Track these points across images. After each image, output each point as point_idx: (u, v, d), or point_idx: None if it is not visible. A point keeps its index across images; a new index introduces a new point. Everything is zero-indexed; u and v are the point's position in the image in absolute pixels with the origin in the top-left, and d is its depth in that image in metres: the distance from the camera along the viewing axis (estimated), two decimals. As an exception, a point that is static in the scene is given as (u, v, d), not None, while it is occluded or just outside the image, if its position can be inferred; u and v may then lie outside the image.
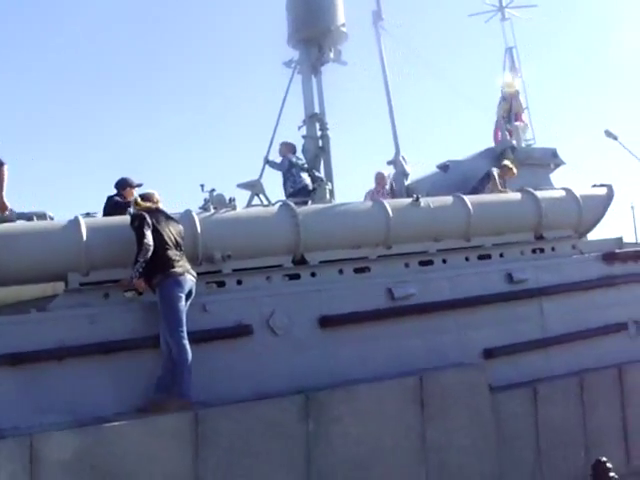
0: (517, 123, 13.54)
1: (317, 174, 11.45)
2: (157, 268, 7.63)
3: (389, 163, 12.00)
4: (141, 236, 7.63)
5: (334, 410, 7.77)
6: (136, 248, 7.63)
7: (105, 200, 9.26)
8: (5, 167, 8.32)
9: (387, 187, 12.77)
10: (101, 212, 8.89)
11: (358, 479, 7.79)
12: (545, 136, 15.49)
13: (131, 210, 8.52)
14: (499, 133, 13.56)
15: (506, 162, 12.05)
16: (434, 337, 9.12)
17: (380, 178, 12.98)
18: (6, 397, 7.06)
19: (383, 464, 7.95)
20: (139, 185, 9.46)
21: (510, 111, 13.66)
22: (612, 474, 6.29)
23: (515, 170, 11.89)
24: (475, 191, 11.45)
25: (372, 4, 12.42)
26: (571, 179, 12.78)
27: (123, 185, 9.41)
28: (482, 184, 11.68)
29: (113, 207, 9.06)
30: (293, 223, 8.91)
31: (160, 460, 6.96)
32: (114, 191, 9.32)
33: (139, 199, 8.06)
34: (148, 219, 7.74)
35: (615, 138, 13.11)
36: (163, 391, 7.49)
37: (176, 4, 41.06)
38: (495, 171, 11.65)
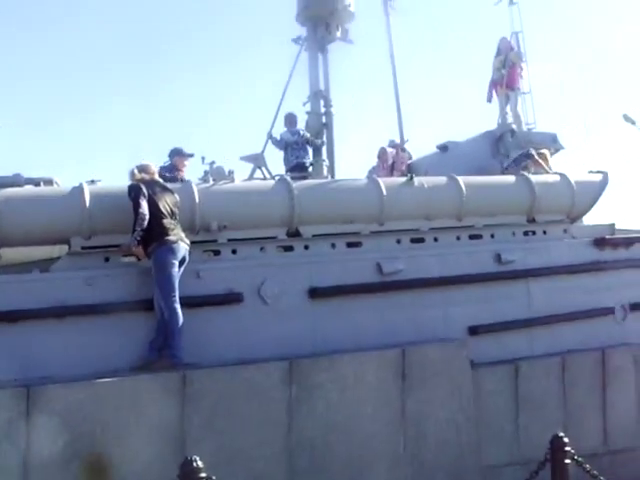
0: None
1: (317, 142, 11.70)
2: (152, 236, 8.03)
3: (390, 145, 12.26)
4: (137, 206, 8.01)
5: (316, 377, 8.13)
6: (133, 217, 8.02)
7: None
8: None
9: (389, 163, 13.05)
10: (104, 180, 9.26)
11: (337, 443, 8.15)
12: (548, 120, 15.61)
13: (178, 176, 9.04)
14: (494, 91, 13.75)
15: (544, 151, 12.34)
16: (420, 312, 9.41)
17: (382, 154, 13.25)
18: (7, 352, 7.49)
19: (362, 431, 8.32)
20: (191, 155, 10.25)
21: (505, 64, 13.71)
22: (568, 449, 6.59)
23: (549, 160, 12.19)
24: (507, 172, 11.82)
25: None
26: (573, 164, 12.93)
27: (174, 154, 10.22)
28: (517, 164, 11.88)
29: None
30: (289, 197, 9.24)
31: (149, 415, 7.38)
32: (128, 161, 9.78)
33: (136, 171, 8.40)
34: (144, 190, 8.11)
35: (633, 123, 13.13)
36: (155, 352, 7.93)
37: None
38: (534, 151, 11.93)
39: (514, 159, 12.02)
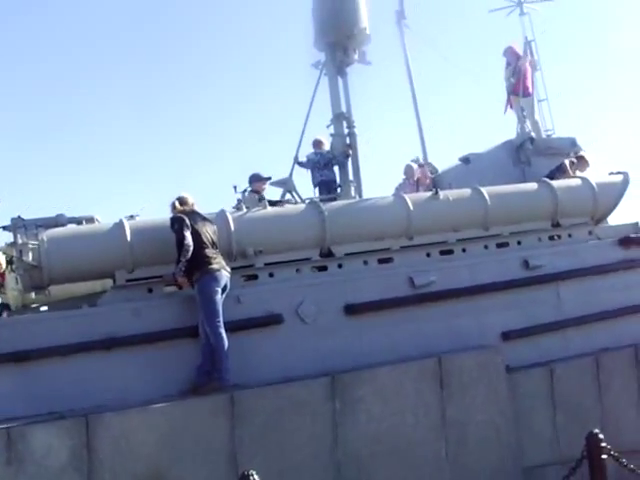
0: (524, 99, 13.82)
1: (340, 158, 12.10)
2: (196, 266, 8.38)
3: (415, 161, 12.54)
4: (181, 237, 8.38)
5: (358, 390, 8.46)
6: (176, 248, 8.39)
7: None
8: None
9: (415, 179, 13.39)
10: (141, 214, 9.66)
11: (381, 453, 8.47)
12: (567, 125, 15.86)
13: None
14: (511, 101, 13.97)
15: (582, 153, 12.64)
16: (454, 322, 9.72)
17: (408, 170, 13.59)
18: (60, 384, 7.90)
19: (405, 439, 8.64)
20: (268, 178, 11.08)
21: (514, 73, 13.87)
22: (604, 444, 6.83)
23: (590, 161, 12.50)
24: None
25: (395, 4, 12.94)
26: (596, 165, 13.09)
27: (254, 180, 10.98)
28: (554, 176, 12.10)
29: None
30: (320, 219, 9.62)
31: (201, 437, 7.76)
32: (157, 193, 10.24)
33: (177, 203, 8.78)
34: (187, 221, 8.49)
35: None
36: (203, 376, 8.29)
37: (207, 8, 42.05)
38: (567, 162, 12.20)
39: (551, 171, 12.34)
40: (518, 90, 13.78)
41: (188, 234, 8.39)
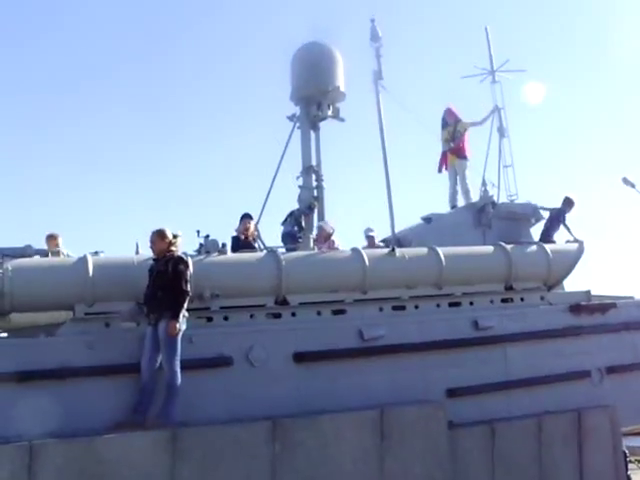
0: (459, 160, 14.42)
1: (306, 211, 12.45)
2: (168, 306, 8.66)
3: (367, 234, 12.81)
4: (185, 281, 8.75)
5: (298, 435, 8.72)
6: (170, 288, 8.67)
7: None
8: None
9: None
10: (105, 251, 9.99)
11: (319, 498, 8.74)
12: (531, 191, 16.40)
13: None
14: (446, 160, 14.56)
15: (568, 194, 13.62)
16: (400, 376, 10.03)
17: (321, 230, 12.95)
18: (10, 409, 8.12)
19: (342, 487, 8.91)
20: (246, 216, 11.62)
21: (454, 136, 14.44)
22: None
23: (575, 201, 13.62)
24: (547, 231, 13.31)
25: (372, 63, 13.33)
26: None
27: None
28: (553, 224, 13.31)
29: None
30: (277, 268, 9.99)
31: (141, 470, 7.97)
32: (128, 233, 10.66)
33: (173, 239, 9.03)
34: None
35: (633, 186, 13.67)
36: (141, 414, 8.56)
37: (186, 56, 43.13)
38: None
39: (550, 218, 13.48)
40: (457, 151, 14.37)
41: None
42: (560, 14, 46.93)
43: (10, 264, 8.97)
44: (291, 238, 12.16)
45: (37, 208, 33.90)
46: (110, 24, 41.43)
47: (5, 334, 9.81)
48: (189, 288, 8.78)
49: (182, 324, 8.72)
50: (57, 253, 9.86)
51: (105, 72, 40.51)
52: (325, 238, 11.96)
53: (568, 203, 13.59)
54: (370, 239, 12.63)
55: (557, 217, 13.40)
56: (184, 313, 8.74)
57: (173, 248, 9.01)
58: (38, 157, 39.08)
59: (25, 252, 9.42)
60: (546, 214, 13.62)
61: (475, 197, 14.01)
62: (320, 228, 12.34)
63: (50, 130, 37.82)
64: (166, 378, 8.62)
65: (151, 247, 9.12)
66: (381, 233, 13.11)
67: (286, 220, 12.77)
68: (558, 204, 13.56)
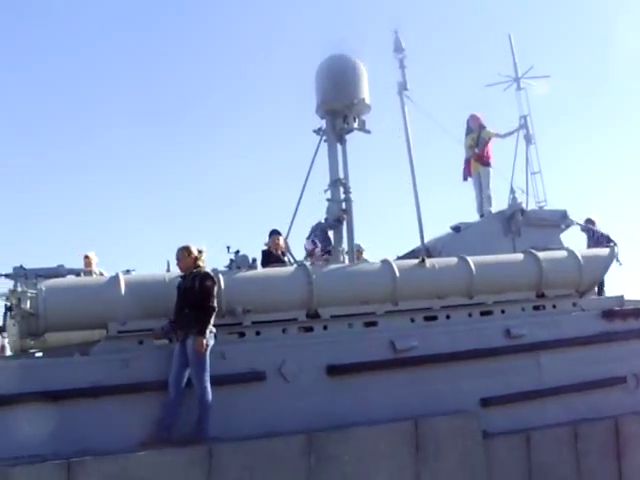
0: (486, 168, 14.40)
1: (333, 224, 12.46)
2: (197, 322, 8.75)
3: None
4: (212, 297, 8.87)
5: (333, 449, 8.76)
6: (201, 305, 8.80)
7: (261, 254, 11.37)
8: None
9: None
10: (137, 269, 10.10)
11: (354, 512, 8.74)
12: (560, 197, 16.34)
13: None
14: (470, 168, 14.50)
15: (591, 216, 14.21)
16: (433, 386, 10.00)
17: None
18: (46, 428, 8.20)
19: (378, 500, 8.90)
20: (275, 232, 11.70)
21: (477, 142, 14.39)
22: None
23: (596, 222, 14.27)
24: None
25: (396, 74, 13.33)
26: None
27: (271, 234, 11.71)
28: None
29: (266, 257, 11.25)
30: (308, 282, 10.04)
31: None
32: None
33: (198, 254, 9.17)
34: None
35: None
36: (164, 430, 8.61)
37: (210, 70, 43.42)
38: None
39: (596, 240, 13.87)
40: (480, 158, 14.30)
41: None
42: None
43: (44, 284, 9.08)
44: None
45: (67, 226, 34.15)
46: (128, 43, 41.84)
47: (40, 354, 9.91)
48: (215, 304, 8.87)
49: (210, 340, 8.79)
50: (89, 273, 9.97)
51: (130, 87, 40.78)
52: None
53: (592, 224, 14.11)
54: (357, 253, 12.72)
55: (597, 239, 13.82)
56: (211, 329, 8.82)
57: (200, 263, 9.13)
58: (63, 173, 39.23)
59: (58, 272, 9.54)
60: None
61: (497, 205, 14.06)
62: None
63: (79, 146, 38.02)
64: (197, 395, 8.69)
65: (178, 264, 9.25)
66: (410, 244, 13.10)
67: (311, 234, 12.77)
68: (587, 209, 13.73)
